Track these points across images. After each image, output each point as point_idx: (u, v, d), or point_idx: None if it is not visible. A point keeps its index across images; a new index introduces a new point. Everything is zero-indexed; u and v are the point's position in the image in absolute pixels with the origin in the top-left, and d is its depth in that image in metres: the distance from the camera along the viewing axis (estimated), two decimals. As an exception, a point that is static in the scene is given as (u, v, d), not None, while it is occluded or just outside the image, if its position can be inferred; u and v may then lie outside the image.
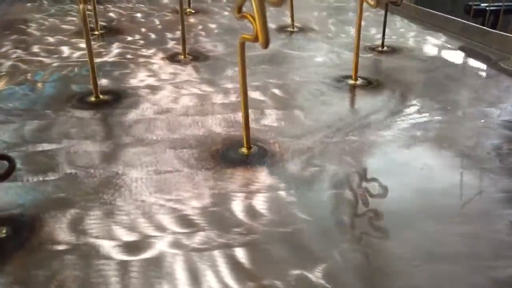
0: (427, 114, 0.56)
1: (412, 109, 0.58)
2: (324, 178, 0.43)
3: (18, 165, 0.43)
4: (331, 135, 0.51)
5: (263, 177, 0.43)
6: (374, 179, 0.43)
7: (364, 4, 0.62)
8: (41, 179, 0.42)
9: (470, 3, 2.28)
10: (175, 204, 0.39)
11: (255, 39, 0.40)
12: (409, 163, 0.46)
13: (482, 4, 2.25)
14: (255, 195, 0.41)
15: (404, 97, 0.61)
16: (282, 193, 0.41)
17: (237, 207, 0.39)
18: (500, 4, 2.15)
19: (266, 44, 0.38)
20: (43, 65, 0.72)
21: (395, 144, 0.49)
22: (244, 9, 0.42)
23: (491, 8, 2.16)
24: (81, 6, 0.54)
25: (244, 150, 0.48)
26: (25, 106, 0.58)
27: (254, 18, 0.39)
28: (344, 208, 0.39)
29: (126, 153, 0.47)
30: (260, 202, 0.40)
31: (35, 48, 0.79)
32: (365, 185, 0.42)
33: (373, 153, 0.48)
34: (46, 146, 0.48)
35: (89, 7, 0.89)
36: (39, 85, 0.65)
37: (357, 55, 0.65)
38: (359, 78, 0.67)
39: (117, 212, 0.38)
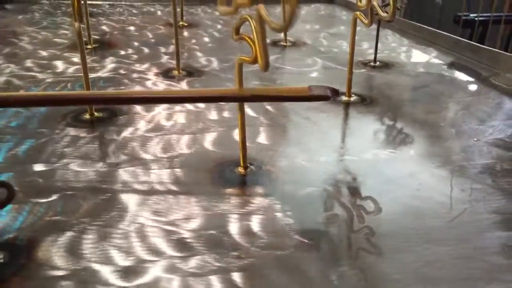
0: (420, 132, 0.57)
1: (405, 127, 0.58)
2: (320, 199, 0.43)
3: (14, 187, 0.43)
4: (327, 154, 0.51)
5: (260, 197, 0.43)
6: (369, 199, 0.44)
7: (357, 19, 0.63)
8: (37, 201, 0.42)
9: (459, 14, 2.32)
10: (171, 227, 0.39)
11: (254, 61, 0.40)
12: (403, 183, 0.46)
13: (471, 15, 2.29)
14: (252, 216, 0.41)
15: (397, 115, 0.62)
16: (279, 214, 0.41)
17: (234, 229, 0.39)
18: (489, 14, 2.19)
19: (266, 68, 0.38)
20: (36, 81, 0.71)
21: (389, 162, 0.50)
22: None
23: (480, 18, 2.20)
24: (77, 24, 0.54)
25: (240, 169, 0.48)
26: (19, 124, 0.57)
27: (253, 41, 0.39)
28: (340, 229, 0.39)
29: (121, 173, 0.47)
30: (257, 224, 0.40)
31: (28, 63, 0.79)
32: (361, 205, 0.42)
33: (368, 173, 0.48)
34: (41, 167, 0.48)
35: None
36: (33, 101, 0.64)
37: (350, 73, 0.66)
38: (352, 95, 0.68)
39: (113, 235, 0.38)
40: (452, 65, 0.84)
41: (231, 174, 0.47)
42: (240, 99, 0.44)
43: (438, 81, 0.77)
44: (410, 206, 0.42)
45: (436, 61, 0.86)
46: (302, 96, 0.43)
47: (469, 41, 0.88)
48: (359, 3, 0.61)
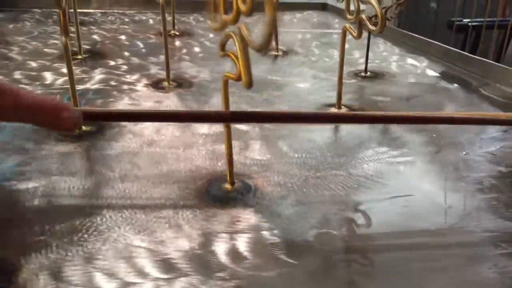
0: (411, 145, 0.57)
1: (396, 140, 0.58)
2: (308, 216, 0.43)
3: (-3, 206, 0.43)
4: (316, 169, 0.51)
5: (247, 215, 0.43)
6: (359, 216, 0.43)
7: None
8: (19, 221, 0.41)
9: (453, 19, 2.33)
10: (157, 247, 0.39)
11: (238, 78, 0.40)
12: (393, 200, 0.46)
13: (465, 20, 2.30)
14: (238, 235, 0.40)
15: (389, 128, 0.62)
16: (266, 233, 0.41)
17: (221, 249, 0.39)
18: (482, 20, 2.20)
19: (249, 85, 0.38)
20: (24, 93, 0.71)
21: (379, 178, 0.50)
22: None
23: (473, 24, 2.21)
24: (63, 39, 0.53)
25: (227, 186, 0.47)
26: (5, 139, 0.57)
27: (237, 58, 0.39)
28: (329, 249, 0.39)
29: (108, 191, 0.46)
30: (243, 244, 0.39)
31: (17, 74, 0.79)
32: (350, 224, 0.42)
33: (357, 189, 0.48)
34: (26, 184, 0.47)
35: (73, 29, 0.89)
36: (20, 115, 0.64)
37: (340, 84, 0.66)
38: (342, 106, 0.67)
39: (98, 257, 0.37)
40: (443, 75, 0.84)
41: (218, 191, 0.47)
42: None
43: (428, 91, 0.77)
44: (399, 223, 0.42)
45: (427, 70, 0.86)
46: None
47: (459, 51, 0.88)
48: (348, 16, 0.61)
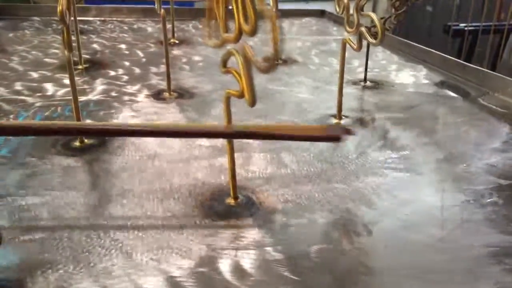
0: (411, 156, 0.57)
1: (398, 152, 0.58)
2: (312, 232, 0.43)
3: (2, 222, 0.43)
4: (319, 182, 0.51)
5: (250, 231, 0.43)
6: (362, 232, 0.44)
7: (346, 34, 0.63)
8: (25, 238, 0.42)
9: (449, 24, 2.34)
10: (161, 264, 0.39)
11: (241, 95, 0.40)
12: (393, 211, 0.46)
13: (461, 25, 2.31)
14: (242, 252, 0.41)
15: (389, 139, 0.62)
16: (269, 249, 0.41)
17: (225, 266, 0.39)
18: (479, 24, 2.21)
19: (252, 104, 0.38)
20: (26, 105, 0.71)
21: (379, 190, 0.50)
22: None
23: (469, 28, 2.22)
24: (67, 53, 0.54)
25: (231, 200, 0.48)
26: (7, 153, 0.57)
27: (240, 75, 0.40)
28: (332, 265, 0.39)
29: (111, 207, 0.46)
30: (247, 261, 0.39)
31: (18, 86, 0.79)
32: (353, 239, 0.43)
33: (360, 203, 0.48)
34: (29, 200, 0.47)
35: (73, 37, 0.89)
36: (22, 128, 0.64)
37: (340, 95, 0.66)
38: (343, 117, 0.68)
39: (103, 275, 0.38)
40: (441, 85, 0.84)
41: (222, 205, 0.47)
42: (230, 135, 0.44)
43: (428, 101, 0.77)
44: (402, 239, 0.42)
45: (426, 80, 0.87)
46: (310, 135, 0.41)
47: (457, 60, 0.89)
48: (347, 28, 0.62)
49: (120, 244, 0.41)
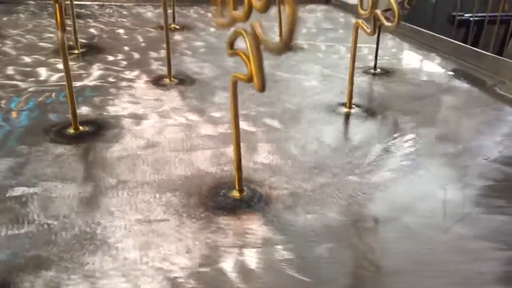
0: (427, 148, 0.53)
1: (412, 143, 0.55)
2: (323, 228, 0.40)
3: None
4: (329, 175, 0.48)
5: (257, 227, 0.40)
6: (372, 229, 0.40)
7: (353, 20, 0.59)
8: (14, 232, 0.38)
9: (454, 14, 2.29)
10: (160, 263, 0.35)
11: (249, 80, 0.36)
12: (410, 208, 0.43)
13: (466, 15, 2.27)
14: (248, 250, 0.37)
15: (402, 129, 0.59)
16: (278, 247, 0.37)
17: (229, 266, 0.35)
18: (484, 14, 2.17)
19: (262, 89, 0.35)
20: (18, 90, 0.67)
21: (395, 185, 0.46)
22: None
23: (475, 18, 2.17)
24: (60, 34, 0.50)
25: (236, 193, 0.44)
26: (-3, 140, 0.53)
27: (248, 58, 0.36)
28: (344, 266, 0.36)
29: (107, 199, 0.43)
30: (254, 260, 0.36)
31: (10, 70, 0.75)
32: (366, 237, 0.39)
33: (373, 197, 0.45)
34: (19, 190, 0.44)
35: (69, 22, 0.85)
36: (14, 114, 0.60)
37: (351, 83, 0.62)
38: (353, 106, 0.64)
39: (97, 275, 0.34)
40: (455, 73, 0.81)
41: (226, 198, 0.44)
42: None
43: (441, 90, 0.73)
44: (418, 237, 0.39)
45: (439, 68, 0.83)
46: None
47: (471, 47, 0.85)
48: (361, 11, 0.58)
49: (115, 241, 0.37)
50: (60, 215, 0.40)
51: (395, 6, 0.53)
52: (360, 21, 0.59)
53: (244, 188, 0.45)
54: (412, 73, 0.80)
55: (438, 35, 0.93)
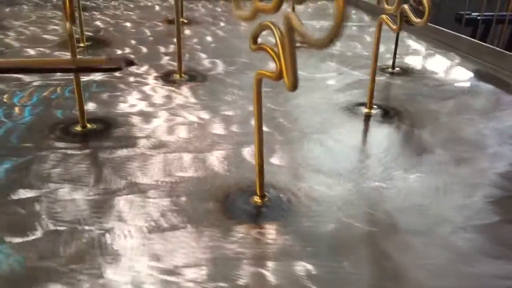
0: (452, 153, 0.50)
1: (438, 148, 0.52)
2: (346, 237, 0.37)
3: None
4: (353, 180, 0.45)
5: (278, 237, 0.37)
6: (408, 241, 0.37)
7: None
8: (19, 240, 0.35)
9: (461, 12, 2.26)
10: (171, 276, 0.32)
11: (278, 77, 0.33)
12: (438, 218, 0.40)
13: (473, 14, 2.24)
14: (267, 262, 0.34)
15: (427, 132, 0.55)
16: (299, 259, 0.34)
17: (246, 279, 0.32)
18: (492, 14, 2.14)
19: (294, 87, 0.32)
20: (22, 84, 0.64)
21: (420, 194, 0.43)
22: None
23: (482, 17, 2.14)
24: (68, 25, 0.47)
25: (257, 199, 0.41)
26: (0, 138, 0.50)
27: (277, 54, 0.33)
28: (368, 281, 0.33)
29: (117, 203, 0.40)
30: (273, 274, 0.33)
31: (14, 63, 0.72)
32: (390, 249, 0.36)
33: (398, 205, 0.41)
34: (24, 193, 0.41)
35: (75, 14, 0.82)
36: (17, 109, 0.57)
37: (373, 82, 0.59)
38: (374, 106, 0.61)
39: (109, 285, 0.31)
40: (476, 73, 0.77)
41: (245, 204, 0.41)
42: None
43: (464, 91, 0.70)
44: (445, 251, 0.36)
45: (459, 68, 0.80)
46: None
47: (492, 47, 0.82)
48: (386, 6, 0.55)
49: (126, 250, 0.34)
50: (67, 221, 0.37)
51: (425, 1, 0.49)
52: (384, 16, 0.56)
53: (266, 193, 0.41)
54: (432, 73, 0.77)
55: (456, 33, 0.89)
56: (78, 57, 0.55)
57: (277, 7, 0.32)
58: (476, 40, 0.85)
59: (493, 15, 2.10)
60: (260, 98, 0.38)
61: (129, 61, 0.35)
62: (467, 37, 0.87)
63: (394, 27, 0.54)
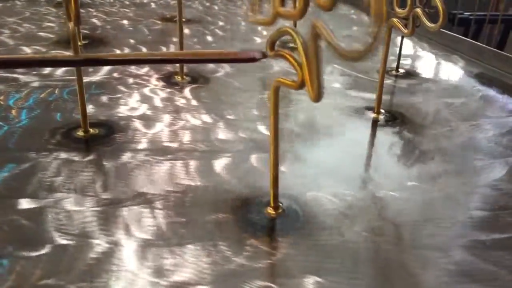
0: (461, 161, 0.49)
1: (448, 157, 0.51)
2: (363, 253, 0.35)
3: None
4: (369, 190, 0.43)
5: (292, 253, 0.35)
6: (416, 256, 0.36)
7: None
8: (22, 254, 0.33)
9: (454, 12, 2.27)
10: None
11: (300, 87, 0.32)
12: (455, 235, 0.38)
13: (465, 13, 2.24)
14: (279, 279, 0.32)
15: (438, 140, 0.54)
16: (317, 279, 0.33)
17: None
18: (485, 13, 2.14)
19: (318, 98, 0.30)
20: (19, 85, 0.62)
21: (433, 207, 0.42)
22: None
23: (475, 17, 2.15)
24: (71, 25, 0.45)
25: (270, 211, 0.39)
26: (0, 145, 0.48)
27: (299, 63, 0.31)
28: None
29: (122, 215, 0.38)
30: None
31: (9, 62, 0.69)
32: (406, 265, 0.35)
33: (414, 218, 0.40)
34: (25, 204, 0.39)
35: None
36: (14, 112, 0.55)
37: (381, 86, 0.58)
38: (381, 111, 0.60)
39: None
40: (481, 77, 0.76)
41: (258, 217, 0.39)
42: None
43: (467, 95, 0.69)
44: (460, 269, 0.35)
45: (463, 72, 0.79)
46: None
47: (496, 50, 0.81)
48: (397, 10, 0.53)
49: (132, 265, 0.33)
50: (73, 234, 0.35)
51: (439, 4, 0.48)
52: (395, 19, 0.54)
53: (280, 204, 0.40)
54: (436, 76, 0.76)
55: (459, 36, 0.89)
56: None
57: (302, 14, 0.30)
58: (479, 43, 0.85)
59: (486, 14, 2.11)
60: (277, 107, 0.36)
61: (263, 53, 0.34)
62: (470, 40, 0.86)
63: (405, 31, 0.53)
